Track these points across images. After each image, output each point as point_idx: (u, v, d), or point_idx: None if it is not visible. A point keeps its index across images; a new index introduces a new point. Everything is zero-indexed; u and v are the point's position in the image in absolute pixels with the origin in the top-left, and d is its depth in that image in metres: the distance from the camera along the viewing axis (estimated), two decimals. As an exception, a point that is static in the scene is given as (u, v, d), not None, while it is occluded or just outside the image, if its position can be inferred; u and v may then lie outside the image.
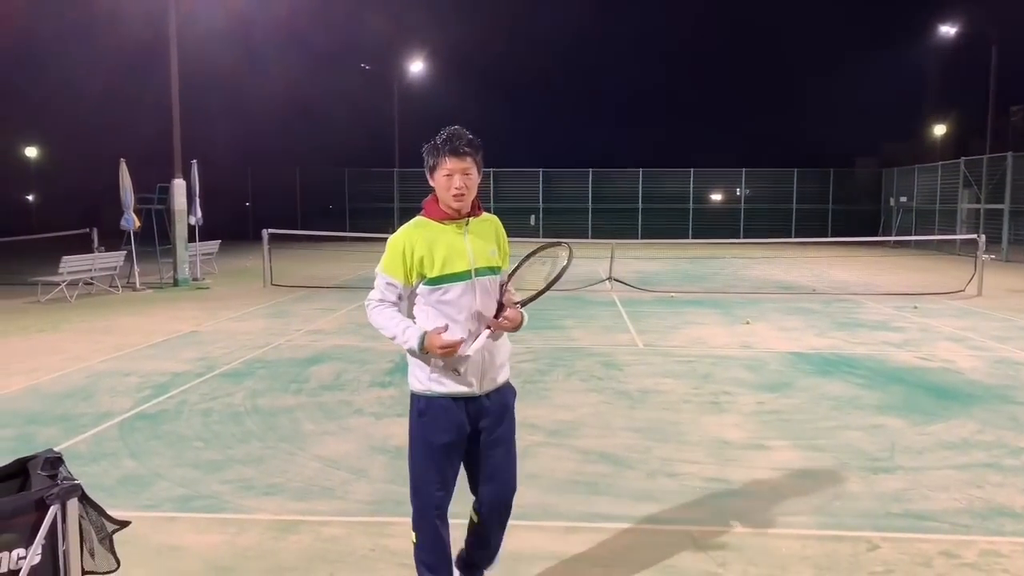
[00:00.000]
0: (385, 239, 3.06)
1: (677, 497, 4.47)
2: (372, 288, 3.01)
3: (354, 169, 35.23)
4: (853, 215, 32.94)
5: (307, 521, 4.14)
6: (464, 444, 2.98)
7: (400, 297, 2.97)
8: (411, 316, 3.00)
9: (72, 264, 13.60)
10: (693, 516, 4.22)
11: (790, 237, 30.24)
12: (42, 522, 2.31)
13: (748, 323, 10.80)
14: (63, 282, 13.35)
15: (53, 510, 2.33)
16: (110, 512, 2.57)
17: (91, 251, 14.78)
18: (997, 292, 14.27)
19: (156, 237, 16.72)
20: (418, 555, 3.03)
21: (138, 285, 15.12)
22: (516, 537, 3.28)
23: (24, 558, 2.28)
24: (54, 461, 2.50)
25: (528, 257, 3.13)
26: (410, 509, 3.04)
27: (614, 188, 34.23)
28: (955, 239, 23.15)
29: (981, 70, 29.52)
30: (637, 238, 30.66)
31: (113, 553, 2.57)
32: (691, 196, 34.19)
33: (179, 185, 16.29)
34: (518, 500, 3.14)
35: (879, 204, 33.08)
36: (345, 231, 29.25)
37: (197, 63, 26.74)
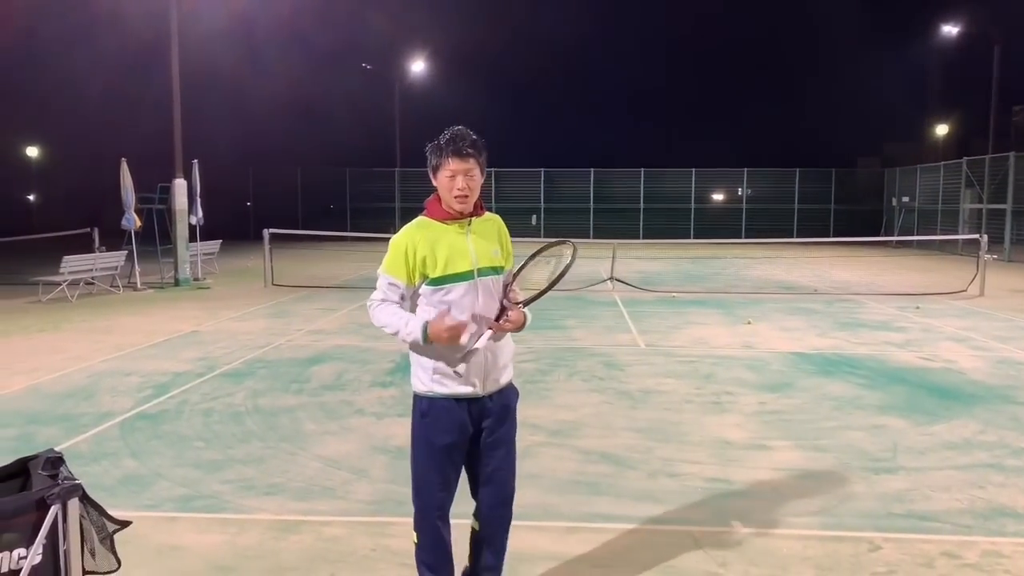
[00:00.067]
0: (386, 239, 3.05)
1: (678, 497, 4.47)
2: (374, 288, 3.00)
3: (355, 169, 35.22)
4: (855, 215, 32.87)
5: (308, 521, 4.14)
6: (466, 445, 2.97)
7: (403, 297, 2.96)
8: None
9: (73, 264, 13.60)
10: (694, 516, 4.22)
11: (792, 237, 30.21)
12: (43, 522, 2.31)
13: (750, 323, 10.79)
14: (64, 282, 13.36)
15: (54, 510, 2.33)
16: (111, 512, 2.57)
17: (92, 251, 14.78)
18: (999, 292, 14.26)
19: (157, 237, 16.71)
20: (419, 555, 3.03)
21: (139, 285, 15.13)
22: (517, 537, 3.28)
23: (25, 558, 2.28)
24: (55, 461, 2.50)
25: (533, 256, 3.12)
26: (411, 509, 3.04)
27: (616, 188, 34.21)
28: (957, 239, 23.14)
29: (984, 70, 29.51)
30: (639, 238, 30.64)
31: (114, 553, 2.57)
32: (693, 196, 34.16)
33: (180, 185, 16.29)
34: (519, 500, 3.14)
35: (881, 204, 33.06)
36: (346, 231, 29.24)
37: (198, 63, 26.74)
